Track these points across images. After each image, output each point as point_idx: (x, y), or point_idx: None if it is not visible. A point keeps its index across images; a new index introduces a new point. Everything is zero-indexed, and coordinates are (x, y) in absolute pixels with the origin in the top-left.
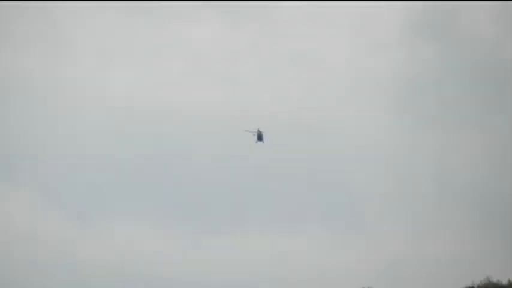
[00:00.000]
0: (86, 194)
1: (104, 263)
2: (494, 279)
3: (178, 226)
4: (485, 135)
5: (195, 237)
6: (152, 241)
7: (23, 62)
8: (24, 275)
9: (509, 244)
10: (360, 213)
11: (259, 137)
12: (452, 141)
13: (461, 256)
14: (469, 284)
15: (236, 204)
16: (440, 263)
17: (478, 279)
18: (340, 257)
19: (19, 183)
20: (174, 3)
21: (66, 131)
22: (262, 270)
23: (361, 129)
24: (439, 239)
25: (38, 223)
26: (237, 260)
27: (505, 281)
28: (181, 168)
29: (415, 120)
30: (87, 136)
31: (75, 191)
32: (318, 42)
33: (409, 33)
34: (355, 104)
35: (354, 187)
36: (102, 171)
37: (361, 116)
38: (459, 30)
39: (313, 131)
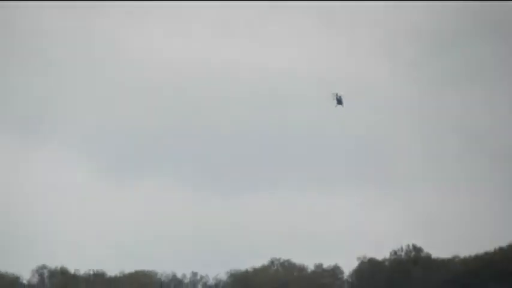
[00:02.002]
0: (116, 151)
1: (131, 215)
2: None
3: (210, 182)
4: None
5: (231, 193)
6: (180, 197)
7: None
8: (51, 225)
9: None
10: (392, 171)
11: (339, 101)
12: (478, 96)
13: (498, 211)
14: None
15: (274, 164)
16: (478, 217)
17: None
18: (377, 214)
19: (51, 136)
20: None
21: (98, 90)
22: (300, 227)
23: (390, 86)
24: (469, 193)
25: (66, 175)
26: (275, 216)
27: None
28: (217, 126)
29: (440, 74)
30: (117, 95)
31: (106, 146)
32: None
33: None
34: (381, 60)
35: (383, 146)
36: (132, 130)
37: (388, 73)
38: None
39: (342, 90)
